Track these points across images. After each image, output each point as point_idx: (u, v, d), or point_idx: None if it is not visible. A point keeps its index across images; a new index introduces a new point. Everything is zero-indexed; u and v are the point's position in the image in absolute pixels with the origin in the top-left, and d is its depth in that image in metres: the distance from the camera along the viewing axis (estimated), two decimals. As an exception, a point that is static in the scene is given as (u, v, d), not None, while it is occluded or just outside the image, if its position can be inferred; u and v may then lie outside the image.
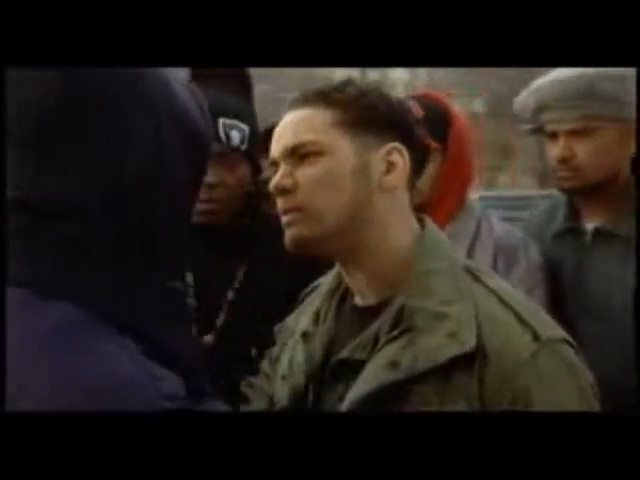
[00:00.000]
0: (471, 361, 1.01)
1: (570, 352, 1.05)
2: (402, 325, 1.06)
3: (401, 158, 1.13)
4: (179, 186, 0.86)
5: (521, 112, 1.94)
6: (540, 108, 1.86)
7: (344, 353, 1.12)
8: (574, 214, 1.92)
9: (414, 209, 1.18)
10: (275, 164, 1.17)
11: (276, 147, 1.16)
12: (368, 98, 1.14)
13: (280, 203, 1.14)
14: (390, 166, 1.13)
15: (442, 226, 1.79)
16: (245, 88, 1.79)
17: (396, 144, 1.13)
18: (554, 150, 1.86)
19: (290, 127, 1.15)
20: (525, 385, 1.00)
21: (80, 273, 0.77)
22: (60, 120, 0.77)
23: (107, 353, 0.73)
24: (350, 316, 1.18)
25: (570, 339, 1.07)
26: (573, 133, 1.81)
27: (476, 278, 1.11)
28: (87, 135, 0.78)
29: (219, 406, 0.83)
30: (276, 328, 1.37)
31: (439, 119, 1.83)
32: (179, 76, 0.89)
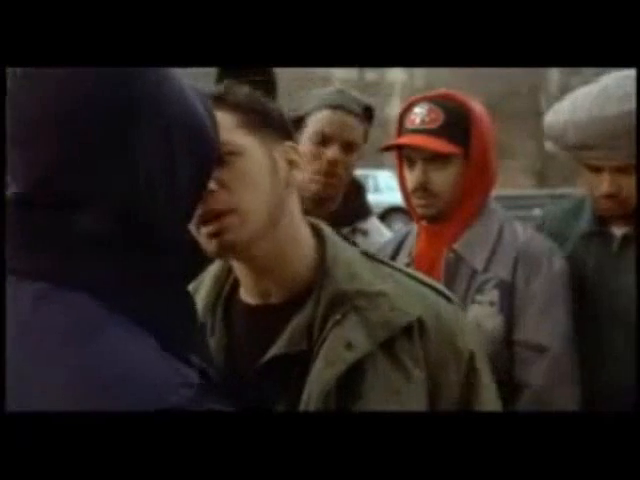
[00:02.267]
0: (410, 330, 1.09)
1: None
2: (342, 308, 1.09)
3: (298, 156, 1.15)
4: (184, 189, 0.88)
5: (556, 140, 1.84)
6: (582, 146, 1.78)
7: (276, 350, 1.09)
8: (601, 218, 1.87)
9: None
10: None
11: None
12: (255, 98, 1.14)
13: (207, 206, 1.05)
14: (291, 164, 1.14)
15: (462, 230, 1.75)
16: (272, 88, 1.81)
17: (291, 143, 1.15)
18: (600, 185, 1.78)
19: None
20: (460, 344, 1.12)
21: (95, 266, 0.79)
22: (81, 119, 0.78)
23: (127, 342, 0.76)
24: (245, 316, 1.16)
25: None
26: (619, 169, 1.76)
27: (379, 261, 1.18)
28: (106, 135, 0.79)
29: (221, 401, 0.83)
30: None
31: (461, 121, 1.75)
32: (186, 79, 0.90)
